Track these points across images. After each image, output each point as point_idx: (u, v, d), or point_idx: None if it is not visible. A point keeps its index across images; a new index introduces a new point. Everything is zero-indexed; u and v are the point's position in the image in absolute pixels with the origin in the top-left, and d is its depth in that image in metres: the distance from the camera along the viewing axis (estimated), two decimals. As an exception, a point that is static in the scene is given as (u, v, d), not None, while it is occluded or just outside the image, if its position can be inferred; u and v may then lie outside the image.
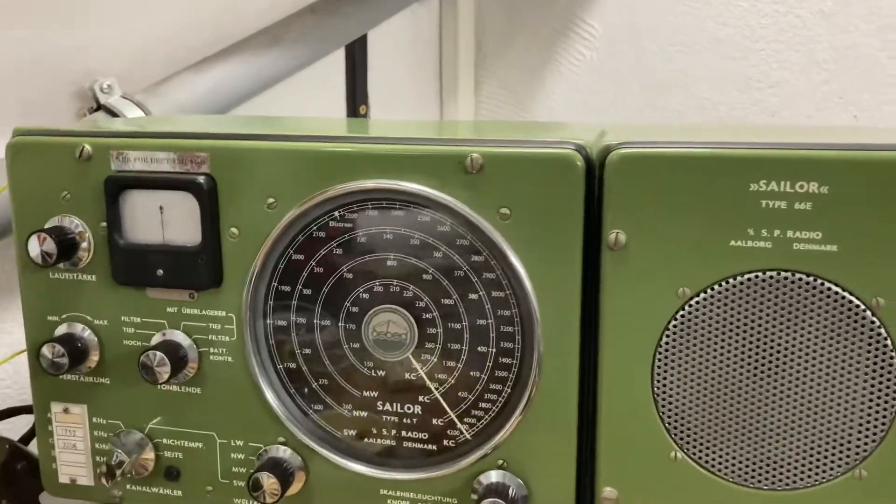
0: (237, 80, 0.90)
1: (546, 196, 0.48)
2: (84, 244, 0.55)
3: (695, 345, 0.49)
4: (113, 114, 0.80)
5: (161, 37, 0.90)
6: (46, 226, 0.55)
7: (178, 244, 0.53)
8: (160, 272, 0.54)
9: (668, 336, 0.49)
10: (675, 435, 0.50)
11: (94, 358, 0.57)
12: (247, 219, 0.53)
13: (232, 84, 0.89)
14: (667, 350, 0.49)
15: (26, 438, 0.74)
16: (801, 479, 0.49)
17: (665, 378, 0.49)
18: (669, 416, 0.50)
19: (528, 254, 0.49)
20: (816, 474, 0.48)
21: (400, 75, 1.28)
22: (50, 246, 0.53)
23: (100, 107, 0.82)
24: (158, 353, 0.53)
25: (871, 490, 0.48)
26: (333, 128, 0.66)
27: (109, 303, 0.56)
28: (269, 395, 0.55)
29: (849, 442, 0.48)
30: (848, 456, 0.48)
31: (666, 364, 0.49)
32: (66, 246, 0.54)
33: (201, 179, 0.52)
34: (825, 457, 0.48)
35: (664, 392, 0.49)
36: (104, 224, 0.55)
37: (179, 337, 0.55)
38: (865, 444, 0.47)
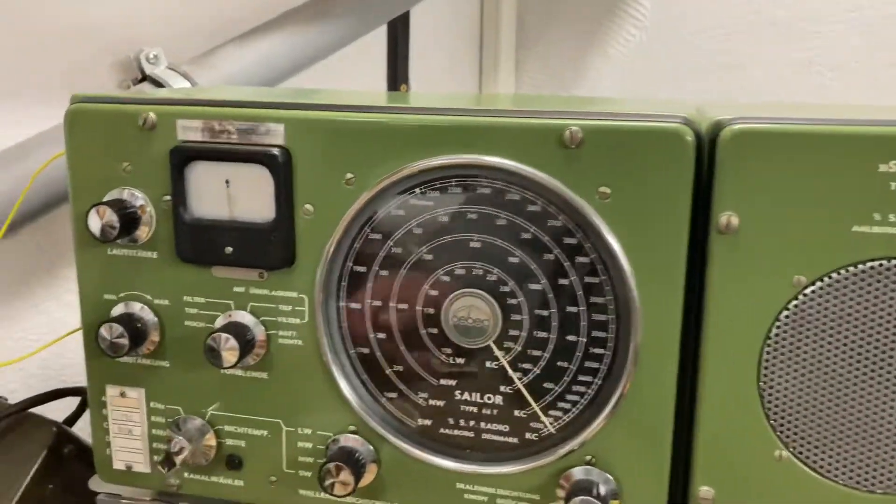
0: (283, 53, 0.86)
1: (651, 174, 0.45)
2: (145, 218, 0.52)
3: (807, 337, 0.45)
4: (159, 85, 0.77)
5: (205, 5, 0.87)
6: (106, 198, 0.52)
7: (249, 220, 0.50)
8: (229, 250, 0.51)
9: (778, 327, 0.45)
10: (781, 433, 0.47)
11: (154, 339, 0.54)
12: (323, 195, 0.49)
13: (278, 58, 0.86)
14: (776, 342, 0.46)
15: (70, 420, 0.71)
16: (919, 483, 0.45)
17: (773, 372, 0.46)
18: (775, 413, 0.46)
19: (629, 236, 0.46)
20: (935, 478, 0.45)
21: (440, 53, 1.24)
22: (111, 219, 0.50)
23: (144, 77, 0.78)
24: (226, 334, 0.50)
25: None
26: (406, 100, 0.62)
27: (171, 281, 0.53)
28: (341, 381, 0.52)
29: (973, 444, 0.44)
30: (971, 459, 0.45)
31: (774, 357, 0.46)
32: (128, 220, 0.51)
33: (276, 152, 0.49)
34: (946, 459, 0.45)
35: (771, 387, 0.46)
36: (167, 197, 0.51)
37: (246, 318, 0.52)
38: None
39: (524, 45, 1.26)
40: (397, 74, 1.15)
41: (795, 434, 0.46)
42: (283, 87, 0.77)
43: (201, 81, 0.79)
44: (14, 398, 0.77)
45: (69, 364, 0.79)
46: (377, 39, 1.13)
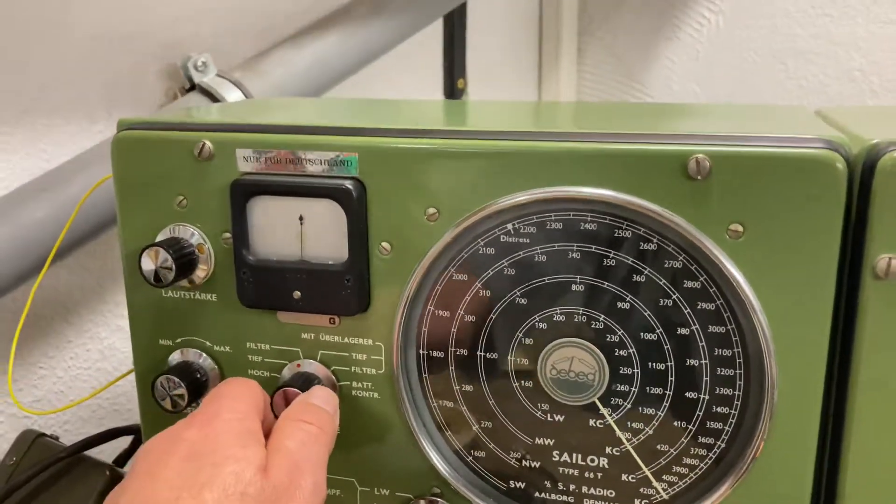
0: (338, 54, 0.80)
1: (792, 208, 0.38)
2: (203, 257, 0.47)
3: (981, 400, 0.38)
4: (209, 94, 0.72)
5: (253, 4, 0.81)
6: (160, 237, 0.47)
7: (319, 261, 0.44)
8: (297, 294, 0.45)
9: (946, 388, 0.38)
10: (944, 509, 0.40)
11: (214, 389, 0.49)
12: (401, 231, 0.43)
13: (333, 59, 0.80)
14: (943, 405, 0.38)
15: (122, 459, 0.67)
16: None
17: (937, 439, 0.39)
18: (939, 486, 0.39)
19: (764, 281, 0.39)
20: None
21: (498, 43, 1.17)
22: (166, 262, 0.44)
23: (193, 86, 0.73)
24: (296, 390, 0.44)
25: None
26: (493, 116, 0.56)
27: (233, 326, 0.47)
28: (422, 437, 0.46)
29: None
30: None
31: (940, 422, 0.39)
32: (185, 262, 0.45)
33: (349, 185, 0.43)
34: None
35: (934, 456, 0.39)
36: (228, 235, 0.46)
37: (316, 368, 0.47)
38: None
39: (587, 30, 1.18)
40: (454, 68, 1.08)
41: (963, 511, 0.40)
42: (349, 99, 0.71)
43: (253, 89, 0.73)
44: (65, 430, 0.73)
45: (122, 392, 0.75)
46: (433, 32, 1.06)
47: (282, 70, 0.76)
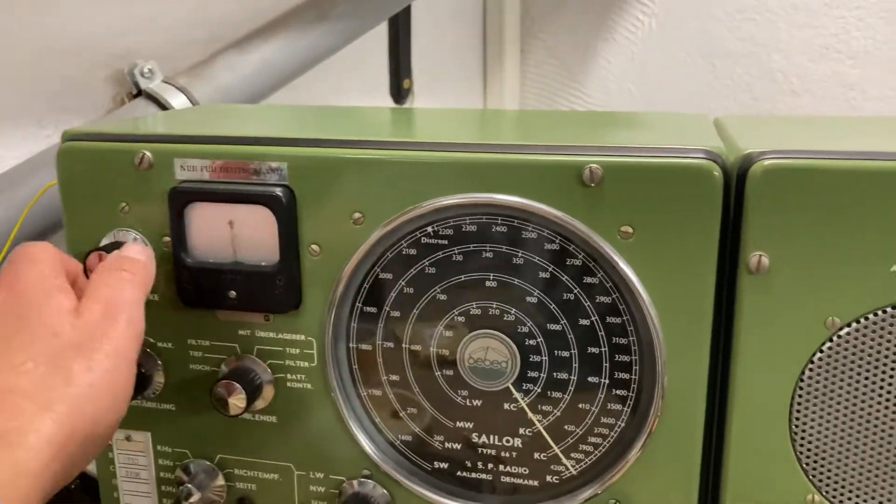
0: (283, 59, 0.83)
1: (676, 212, 0.43)
2: (145, 260, 0.50)
3: (841, 380, 0.43)
4: (155, 100, 0.74)
5: (198, 12, 0.83)
6: (104, 241, 0.50)
7: (253, 263, 0.48)
8: (232, 294, 0.48)
9: (811, 369, 0.43)
10: (814, 476, 0.45)
11: (159, 382, 0.52)
12: (329, 234, 0.47)
13: (278, 64, 0.83)
14: (809, 384, 0.43)
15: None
16: (960, 528, 0.44)
17: (805, 415, 0.44)
18: (808, 457, 0.44)
19: (652, 276, 0.44)
20: (977, 523, 0.43)
21: (443, 45, 1.20)
22: (109, 265, 0.47)
23: (140, 92, 0.75)
24: (233, 382, 0.48)
25: None
26: (420, 124, 0.59)
27: (174, 324, 0.51)
28: (353, 424, 0.50)
29: None
30: None
31: (807, 399, 0.44)
32: (127, 264, 0.48)
33: (279, 192, 0.46)
34: None
35: (803, 430, 0.44)
36: (167, 238, 0.49)
37: (253, 362, 0.50)
38: None
39: (529, 33, 1.22)
40: (400, 69, 1.12)
41: (828, 478, 0.45)
42: (287, 106, 0.74)
43: (198, 94, 0.76)
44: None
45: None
46: (379, 34, 1.09)
47: (227, 75, 0.78)
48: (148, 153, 0.48)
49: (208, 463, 0.53)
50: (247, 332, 0.50)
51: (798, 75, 1.01)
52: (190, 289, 0.49)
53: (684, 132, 0.51)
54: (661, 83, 1.12)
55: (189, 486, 0.51)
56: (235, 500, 0.53)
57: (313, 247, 0.47)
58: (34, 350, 0.37)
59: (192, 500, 0.51)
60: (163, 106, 0.74)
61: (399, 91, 1.12)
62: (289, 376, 0.50)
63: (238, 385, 0.48)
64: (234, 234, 0.48)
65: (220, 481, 0.53)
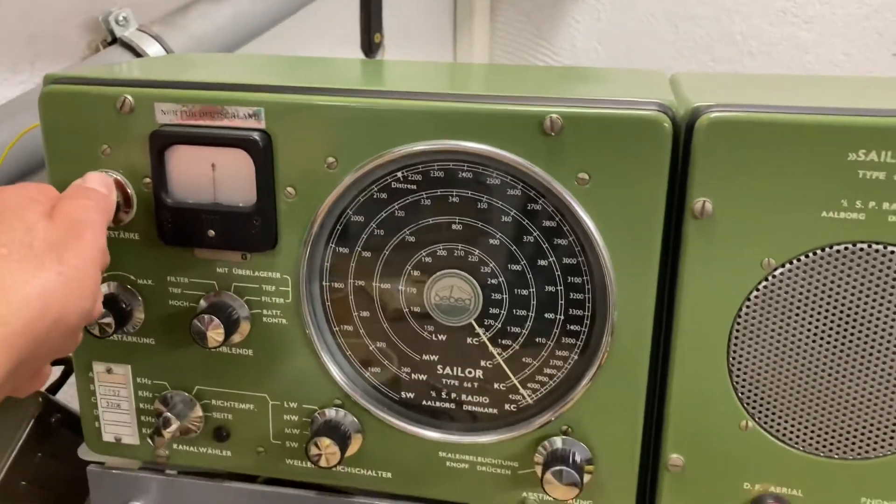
0: (257, 9, 0.84)
1: (628, 160, 0.46)
2: (126, 200, 0.52)
3: (775, 316, 0.47)
4: (130, 48, 0.75)
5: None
6: (86, 181, 0.52)
7: (231, 204, 0.50)
8: (211, 233, 0.51)
9: (748, 307, 0.47)
10: (748, 404, 0.49)
11: (139, 317, 0.54)
12: (304, 178, 0.50)
13: (252, 14, 0.84)
14: (745, 320, 0.48)
15: (54, 388, 0.72)
16: (875, 449, 0.48)
17: (741, 348, 0.48)
18: (743, 386, 0.49)
19: (606, 221, 0.47)
20: (890, 444, 0.48)
21: (415, 0, 1.21)
22: (92, 204, 0.50)
23: (115, 40, 0.76)
24: (210, 316, 0.50)
25: (943, 461, 0.48)
26: (392, 75, 0.62)
27: (154, 262, 0.53)
28: (325, 357, 0.53)
29: (925, 414, 0.47)
30: (923, 428, 0.47)
31: (743, 334, 0.48)
32: (109, 203, 0.51)
33: (256, 136, 0.49)
34: (899, 428, 0.48)
35: (739, 362, 0.48)
36: (148, 180, 0.51)
37: (230, 298, 0.53)
38: (942, 416, 0.47)
39: (499, -10, 1.24)
40: (371, 23, 1.13)
41: (761, 405, 0.49)
42: (261, 56, 0.75)
43: (173, 43, 0.77)
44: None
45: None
46: (349, -13, 1.10)
47: (201, 24, 0.80)
48: (129, 97, 0.50)
49: (186, 394, 0.56)
50: (224, 270, 0.53)
51: (756, 38, 1.05)
52: (170, 228, 0.51)
53: (640, 87, 0.54)
54: (626, 43, 1.15)
55: (168, 415, 0.54)
56: (212, 429, 0.56)
57: (289, 189, 0.50)
58: (9, 237, 0.40)
59: (170, 429, 0.54)
60: (137, 54, 0.76)
61: (370, 45, 1.13)
62: (265, 312, 0.53)
63: (216, 319, 0.51)
64: (214, 176, 0.50)
65: (198, 412, 0.56)
